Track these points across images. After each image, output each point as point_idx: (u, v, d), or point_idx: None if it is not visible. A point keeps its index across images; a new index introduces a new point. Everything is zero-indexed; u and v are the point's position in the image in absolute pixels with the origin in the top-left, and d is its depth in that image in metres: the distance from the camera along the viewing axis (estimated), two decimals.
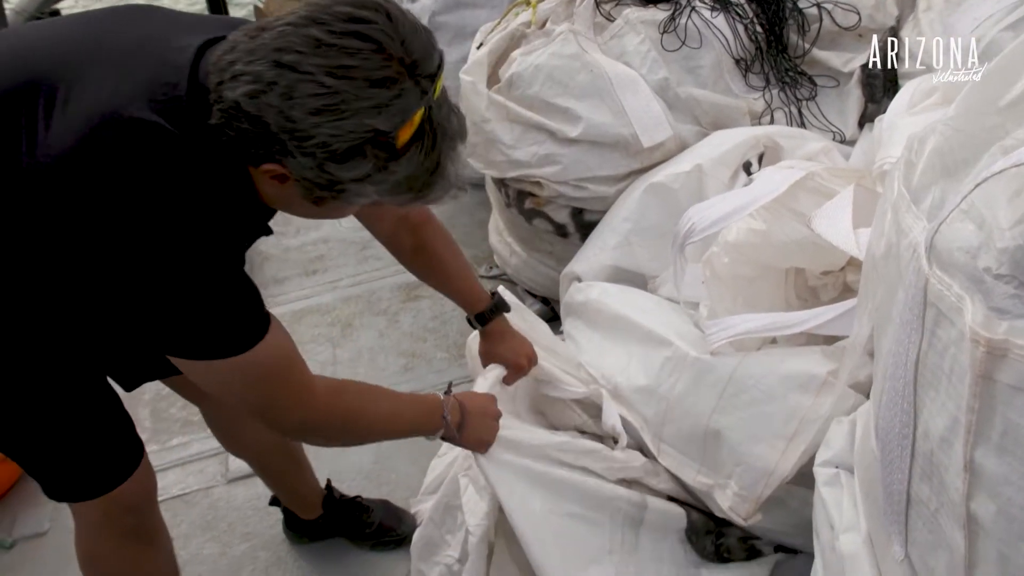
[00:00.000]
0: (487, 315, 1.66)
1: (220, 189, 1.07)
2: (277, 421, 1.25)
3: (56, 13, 4.53)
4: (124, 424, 1.39)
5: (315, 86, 0.98)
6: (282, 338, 1.18)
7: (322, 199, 1.09)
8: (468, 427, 1.47)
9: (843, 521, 1.21)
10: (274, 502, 2.00)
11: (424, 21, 3.16)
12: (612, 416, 1.71)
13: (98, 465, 1.36)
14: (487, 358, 1.70)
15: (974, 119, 1.02)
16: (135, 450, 1.41)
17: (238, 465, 2.26)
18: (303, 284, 3.09)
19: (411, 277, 1.71)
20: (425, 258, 1.61)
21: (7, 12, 4.10)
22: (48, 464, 1.34)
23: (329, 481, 1.99)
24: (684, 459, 1.64)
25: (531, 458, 1.54)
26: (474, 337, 1.74)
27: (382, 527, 1.99)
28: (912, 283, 0.87)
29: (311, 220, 1.57)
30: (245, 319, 1.13)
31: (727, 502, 1.56)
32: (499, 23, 2.46)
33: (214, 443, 1.90)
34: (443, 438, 1.46)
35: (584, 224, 2.21)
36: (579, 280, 2.05)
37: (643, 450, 1.70)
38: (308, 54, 0.98)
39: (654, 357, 1.68)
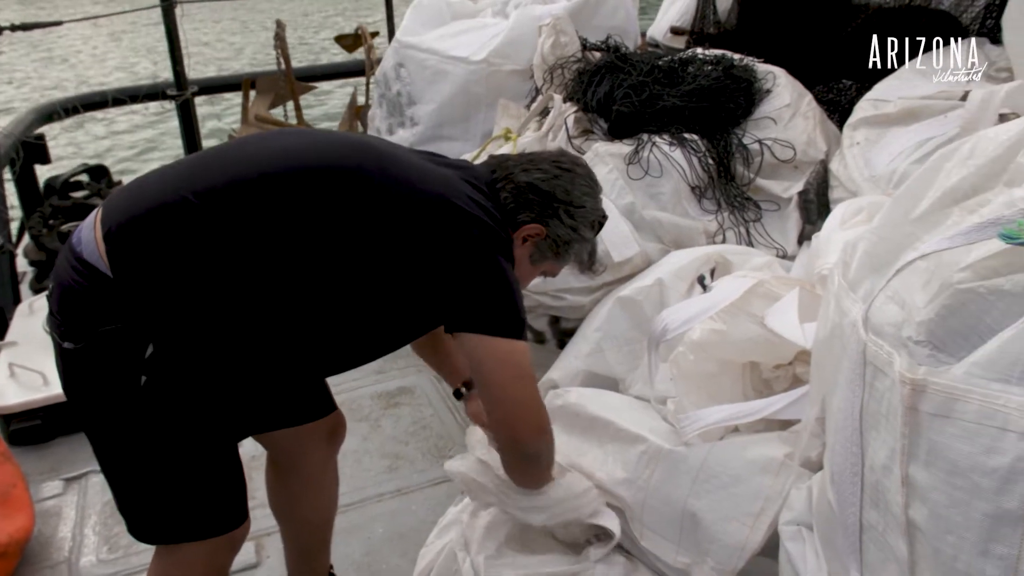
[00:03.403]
0: (471, 383, 1.96)
1: (506, 237, 1.62)
2: (519, 422, 1.56)
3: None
4: (242, 471, 1.61)
5: (584, 180, 1.74)
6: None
7: (542, 259, 1.74)
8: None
9: (807, 569, 1.41)
10: None
11: None
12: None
13: (234, 505, 1.58)
14: (477, 416, 1.94)
15: (893, 229, 1.29)
16: (246, 496, 1.62)
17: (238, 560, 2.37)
18: None
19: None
20: (428, 339, 1.95)
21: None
22: (189, 505, 1.52)
23: (331, 566, 2.12)
24: (664, 541, 1.78)
25: None
26: (474, 430, 1.94)
27: None
28: (854, 350, 1.12)
29: None
30: (522, 316, 1.55)
31: None
32: (479, 154, 2.75)
33: None
34: None
35: (561, 332, 2.44)
36: (556, 386, 2.25)
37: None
38: (574, 166, 1.74)
39: (630, 452, 1.84)
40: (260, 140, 1.57)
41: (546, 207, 1.68)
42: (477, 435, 1.84)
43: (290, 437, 1.82)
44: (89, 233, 1.42)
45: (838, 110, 2.98)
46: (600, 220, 1.79)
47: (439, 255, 1.49)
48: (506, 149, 2.58)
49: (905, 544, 1.02)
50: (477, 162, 2.69)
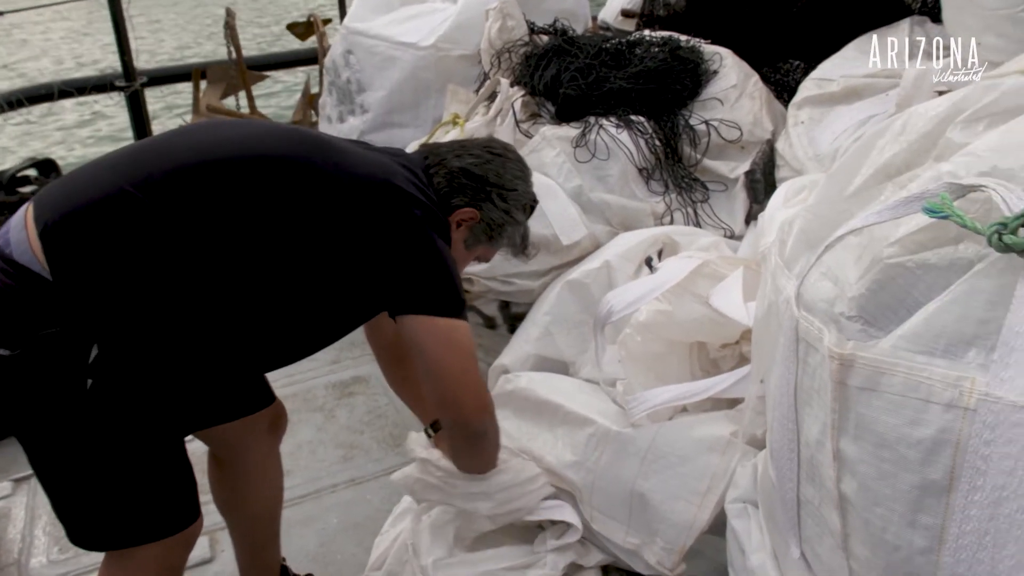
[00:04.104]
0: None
1: (443, 220, 1.63)
2: (463, 400, 1.56)
3: None
4: (191, 469, 1.57)
5: (515, 165, 1.78)
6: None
7: (476, 243, 1.76)
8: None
9: (752, 544, 1.42)
10: None
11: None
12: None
13: (185, 503, 1.54)
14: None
15: (828, 206, 1.30)
16: (197, 493, 1.59)
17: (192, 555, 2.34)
18: None
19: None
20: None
21: None
22: (138, 507, 1.48)
23: (284, 560, 2.09)
24: (614, 523, 1.79)
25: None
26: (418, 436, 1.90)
27: None
28: (788, 327, 1.13)
29: None
30: (461, 295, 1.56)
31: (654, 557, 1.73)
32: (427, 140, 2.73)
33: None
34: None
35: (511, 316, 2.44)
36: (507, 371, 2.25)
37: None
38: (505, 151, 1.79)
39: (579, 435, 1.85)
40: (195, 131, 1.55)
41: (479, 191, 1.71)
42: (414, 438, 1.83)
43: (230, 431, 1.79)
44: (19, 233, 1.37)
45: (786, 90, 2.99)
46: (531, 204, 1.83)
47: (380, 235, 1.49)
48: (454, 134, 2.56)
49: (838, 517, 1.03)
50: None
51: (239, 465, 1.87)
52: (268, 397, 1.86)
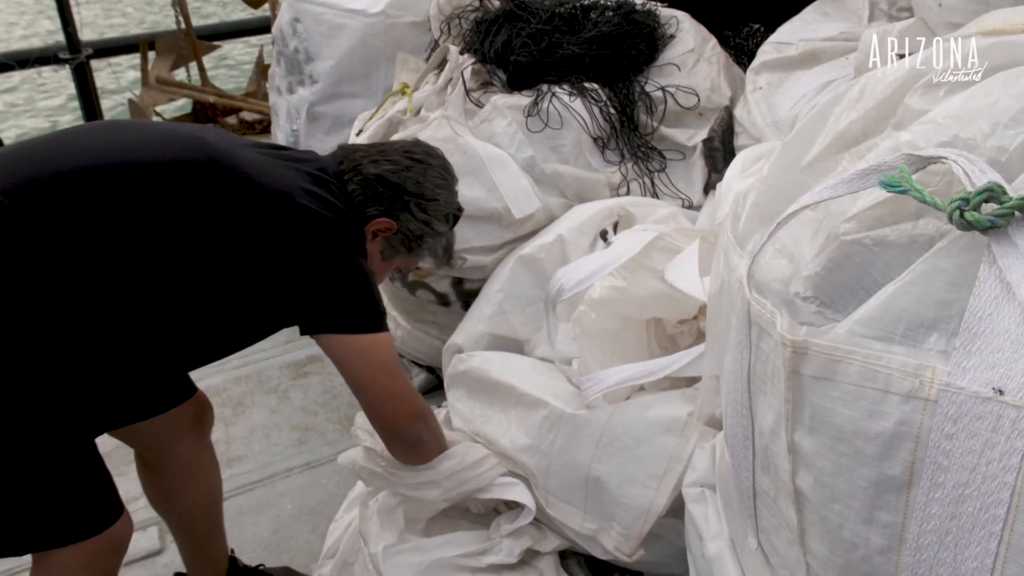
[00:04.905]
0: None
1: (355, 231, 1.55)
2: (391, 414, 1.54)
3: None
4: (105, 469, 1.50)
5: (437, 172, 1.69)
6: (394, 345, 1.56)
7: (394, 254, 1.67)
8: None
9: (710, 530, 1.37)
10: None
11: (303, 112, 3.33)
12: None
13: (101, 503, 1.47)
14: None
15: (783, 177, 1.23)
16: (117, 492, 1.52)
17: (135, 547, 2.25)
18: None
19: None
20: None
21: None
22: (45, 510, 1.40)
23: (232, 551, 2.03)
24: (570, 508, 1.74)
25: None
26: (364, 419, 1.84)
27: None
28: (740, 309, 1.06)
29: None
30: (379, 308, 1.51)
31: (612, 543, 1.68)
32: (376, 111, 2.63)
33: None
34: None
35: (465, 293, 2.36)
36: (461, 351, 2.18)
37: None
38: (427, 156, 1.69)
39: (533, 417, 1.79)
40: (76, 135, 1.47)
41: (396, 200, 1.63)
42: (360, 423, 1.75)
43: (150, 430, 1.72)
44: None
45: (746, 54, 2.92)
46: (455, 213, 1.76)
47: (281, 256, 1.43)
48: (402, 105, 2.46)
49: (794, 511, 0.97)
50: (373, 122, 2.59)
51: (167, 464, 1.80)
52: (184, 392, 1.77)
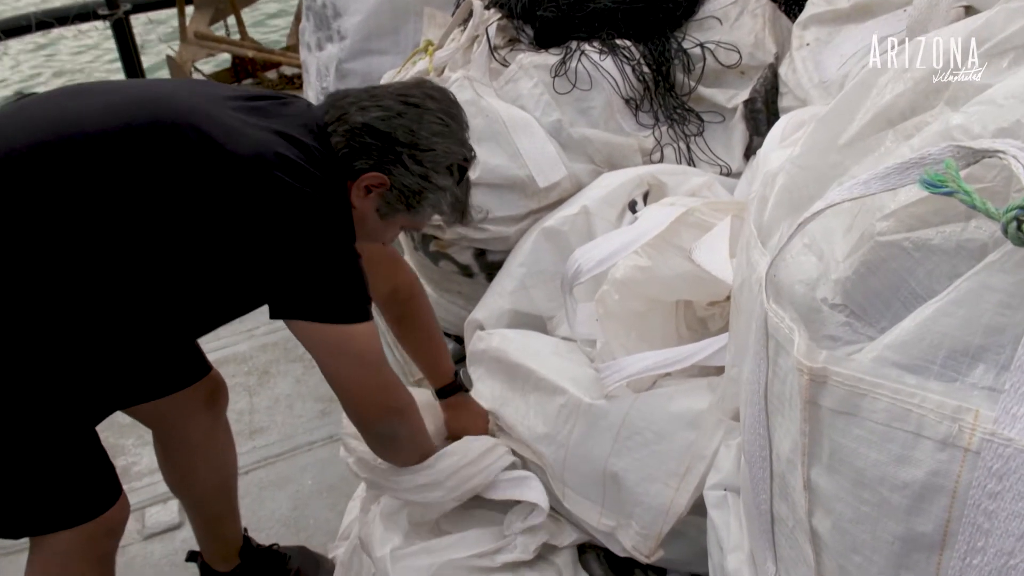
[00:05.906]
0: (447, 390, 1.81)
1: (337, 199, 1.38)
2: (361, 407, 1.44)
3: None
4: (104, 453, 1.48)
5: (435, 117, 1.44)
6: (377, 335, 1.41)
7: (393, 212, 1.47)
8: None
9: (730, 541, 1.26)
10: (191, 557, 1.99)
11: (332, 69, 3.22)
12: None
13: (99, 488, 1.45)
14: (447, 426, 1.80)
15: (817, 157, 1.09)
16: (116, 475, 1.50)
17: (155, 520, 2.24)
18: (219, 334, 3.05)
19: None
20: (407, 329, 1.83)
21: None
22: (42, 495, 1.39)
23: (246, 530, 1.98)
24: (587, 502, 1.64)
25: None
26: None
27: (299, 574, 2.00)
28: (758, 315, 0.93)
29: None
30: (359, 296, 1.37)
31: (630, 542, 1.57)
32: (400, 70, 2.51)
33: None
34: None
35: (488, 264, 2.24)
36: (482, 328, 2.06)
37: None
38: (426, 99, 1.45)
39: (551, 405, 1.68)
40: (32, 106, 1.40)
41: (386, 152, 1.42)
42: (347, 425, 1.66)
43: (163, 410, 1.69)
44: None
45: (797, 5, 2.72)
46: (460, 164, 1.51)
47: (249, 229, 1.30)
48: (424, 64, 2.33)
49: (811, 551, 0.85)
50: (399, 78, 2.47)
51: (182, 444, 1.78)
52: (198, 371, 1.72)
